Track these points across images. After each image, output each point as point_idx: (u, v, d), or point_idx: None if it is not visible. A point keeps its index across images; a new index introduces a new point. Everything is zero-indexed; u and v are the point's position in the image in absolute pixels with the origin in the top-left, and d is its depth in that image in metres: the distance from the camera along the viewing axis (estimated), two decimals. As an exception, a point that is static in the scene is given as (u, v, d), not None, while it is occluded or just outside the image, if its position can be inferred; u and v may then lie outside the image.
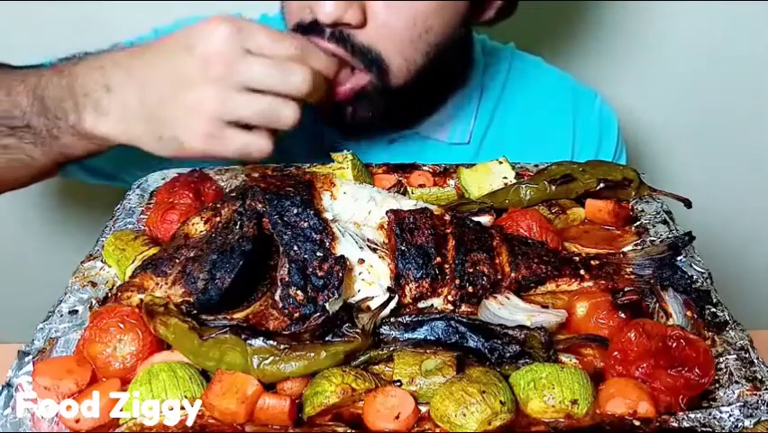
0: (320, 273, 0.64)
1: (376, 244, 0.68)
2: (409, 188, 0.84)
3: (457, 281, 0.66)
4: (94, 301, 0.68)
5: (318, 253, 0.65)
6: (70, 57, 0.86)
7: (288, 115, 0.79)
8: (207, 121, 0.76)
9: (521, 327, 0.61)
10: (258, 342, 0.58)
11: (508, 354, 0.59)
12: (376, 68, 0.89)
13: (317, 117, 0.98)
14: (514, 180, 0.83)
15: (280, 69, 0.77)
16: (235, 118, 0.77)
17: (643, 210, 0.80)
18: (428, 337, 0.61)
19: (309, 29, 0.89)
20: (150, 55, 0.80)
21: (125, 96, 0.79)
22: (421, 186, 0.86)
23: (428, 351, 0.59)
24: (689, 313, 0.62)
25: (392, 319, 0.63)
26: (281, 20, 1.07)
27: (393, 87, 0.92)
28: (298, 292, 0.63)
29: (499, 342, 0.59)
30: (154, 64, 0.79)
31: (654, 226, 0.77)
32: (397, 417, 0.54)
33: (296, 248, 0.66)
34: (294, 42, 0.79)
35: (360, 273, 0.66)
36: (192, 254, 0.67)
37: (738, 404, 0.55)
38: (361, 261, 0.66)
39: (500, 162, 0.85)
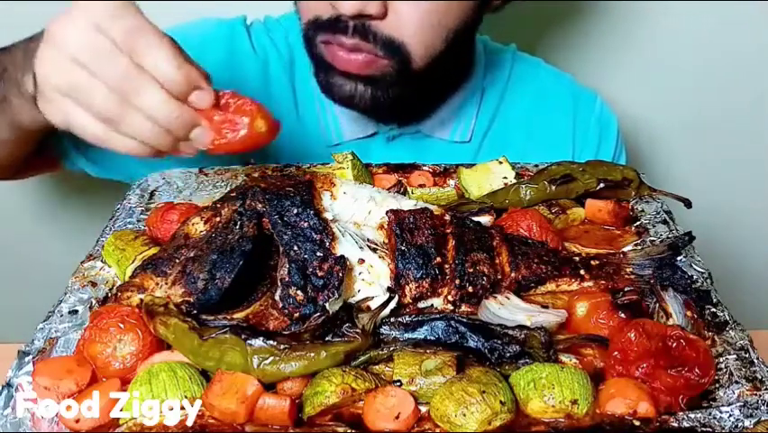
0: (320, 273, 0.64)
1: (376, 244, 0.68)
2: (409, 188, 0.84)
3: (457, 281, 0.66)
4: (94, 301, 0.68)
5: (318, 253, 0.65)
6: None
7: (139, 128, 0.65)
8: (53, 93, 0.66)
9: (521, 327, 0.61)
10: (258, 342, 0.58)
11: (508, 354, 0.59)
12: (399, 57, 0.90)
13: (325, 93, 0.98)
14: (514, 180, 0.83)
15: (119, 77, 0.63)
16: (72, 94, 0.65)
17: (643, 210, 0.80)
18: (428, 337, 0.61)
19: (330, 25, 0.89)
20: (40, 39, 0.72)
21: (33, 78, 0.71)
22: (421, 186, 0.86)
23: (428, 351, 0.59)
24: (689, 313, 0.62)
25: (392, 319, 0.63)
26: (290, 20, 1.08)
27: (414, 73, 0.92)
28: (298, 292, 0.63)
29: (499, 342, 0.59)
30: (38, 48, 0.70)
31: (654, 226, 0.77)
32: (397, 417, 0.54)
33: (296, 248, 0.66)
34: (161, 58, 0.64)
35: (360, 273, 0.66)
36: (192, 254, 0.67)
37: (738, 404, 0.55)
38: (361, 261, 0.66)
39: (500, 162, 0.85)
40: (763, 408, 0.54)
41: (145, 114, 0.65)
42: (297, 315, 0.63)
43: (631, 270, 0.69)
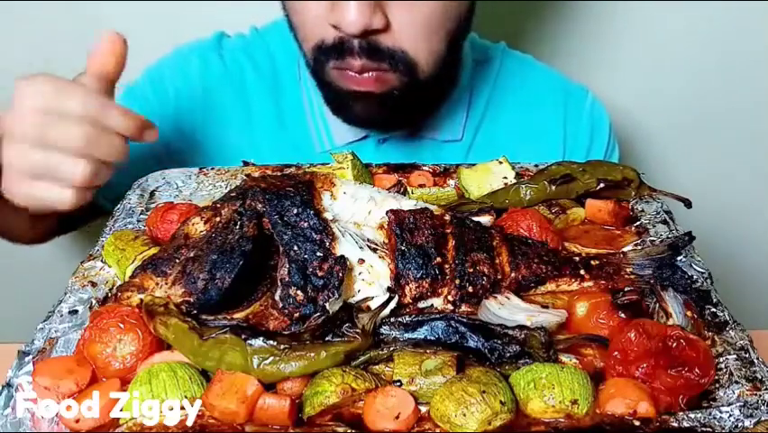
0: (320, 273, 0.64)
1: (376, 244, 0.68)
2: (409, 188, 0.84)
3: (457, 281, 0.66)
4: (94, 301, 0.68)
5: (318, 253, 0.65)
6: None
7: (69, 170, 0.76)
8: (10, 174, 0.78)
9: (521, 327, 0.61)
10: (258, 342, 0.58)
11: (508, 354, 0.59)
12: (405, 67, 0.90)
13: (332, 109, 0.99)
14: (514, 180, 0.83)
15: (55, 126, 0.75)
16: (26, 170, 0.76)
17: (643, 210, 0.80)
18: (428, 337, 0.61)
19: (335, 49, 0.89)
20: None
21: None
22: (421, 186, 0.86)
23: (428, 351, 0.59)
24: (689, 313, 0.62)
25: (392, 319, 0.63)
26: (274, 30, 1.08)
27: (422, 81, 0.93)
28: (298, 292, 0.63)
29: (499, 342, 0.59)
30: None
31: (654, 226, 0.77)
32: (397, 417, 0.54)
33: (296, 248, 0.66)
34: (77, 99, 0.75)
35: (360, 273, 0.66)
36: (192, 254, 0.67)
37: (738, 404, 0.55)
38: (361, 261, 0.66)
39: (500, 162, 0.85)
40: (763, 408, 0.54)
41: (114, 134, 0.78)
42: (297, 315, 0.63)
43: (631, 270, 0.69)
